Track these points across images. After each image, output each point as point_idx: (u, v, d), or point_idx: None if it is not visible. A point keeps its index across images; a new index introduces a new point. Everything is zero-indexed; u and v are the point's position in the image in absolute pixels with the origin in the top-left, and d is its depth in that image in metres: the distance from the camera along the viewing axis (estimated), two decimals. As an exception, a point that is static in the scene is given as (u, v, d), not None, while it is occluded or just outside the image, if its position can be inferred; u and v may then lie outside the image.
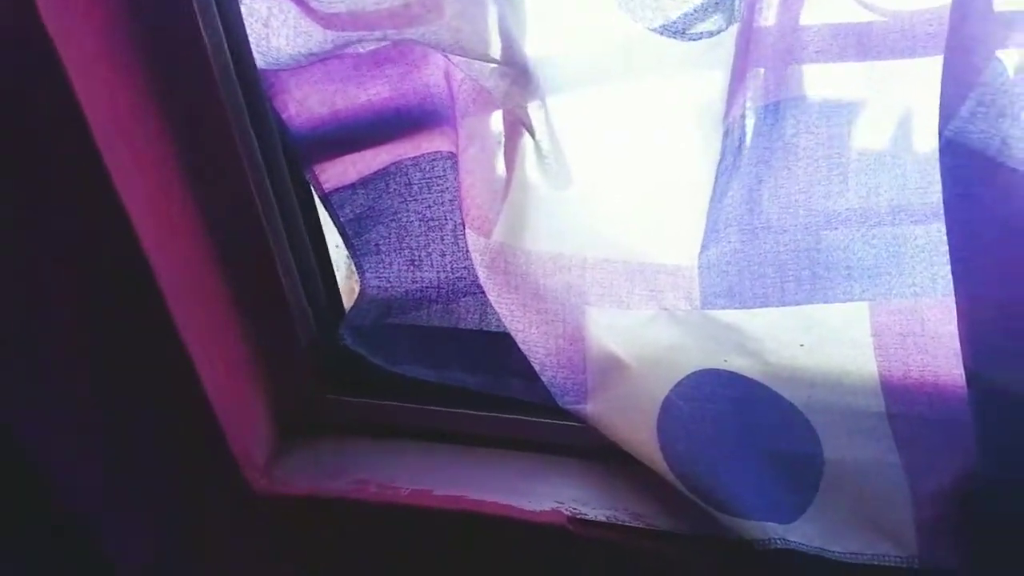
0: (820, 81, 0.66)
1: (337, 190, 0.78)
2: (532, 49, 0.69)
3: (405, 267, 0.82)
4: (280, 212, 0.80)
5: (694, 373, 0.79)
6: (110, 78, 0.64)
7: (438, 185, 0.78)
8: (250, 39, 0.68)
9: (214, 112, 0.71)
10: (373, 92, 0.73)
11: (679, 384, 0.79)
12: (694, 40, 0.67)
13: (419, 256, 0.82)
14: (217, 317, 0.82)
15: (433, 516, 0.89)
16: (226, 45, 0.70)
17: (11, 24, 0.56)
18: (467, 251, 0.78)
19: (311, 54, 0.68)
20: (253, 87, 0.72)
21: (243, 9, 0.67)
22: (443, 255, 0.82)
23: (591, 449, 0.90)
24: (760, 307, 0.74)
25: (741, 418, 0.79)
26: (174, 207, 0.73)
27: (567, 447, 0.92)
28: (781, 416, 0.77)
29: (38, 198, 0.67)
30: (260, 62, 0.69)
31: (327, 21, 0.65)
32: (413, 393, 0.94)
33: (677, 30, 0.66)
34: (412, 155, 0.77)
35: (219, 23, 0.68)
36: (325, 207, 0.79)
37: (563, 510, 0.86)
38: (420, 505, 0.89)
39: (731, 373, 0.78)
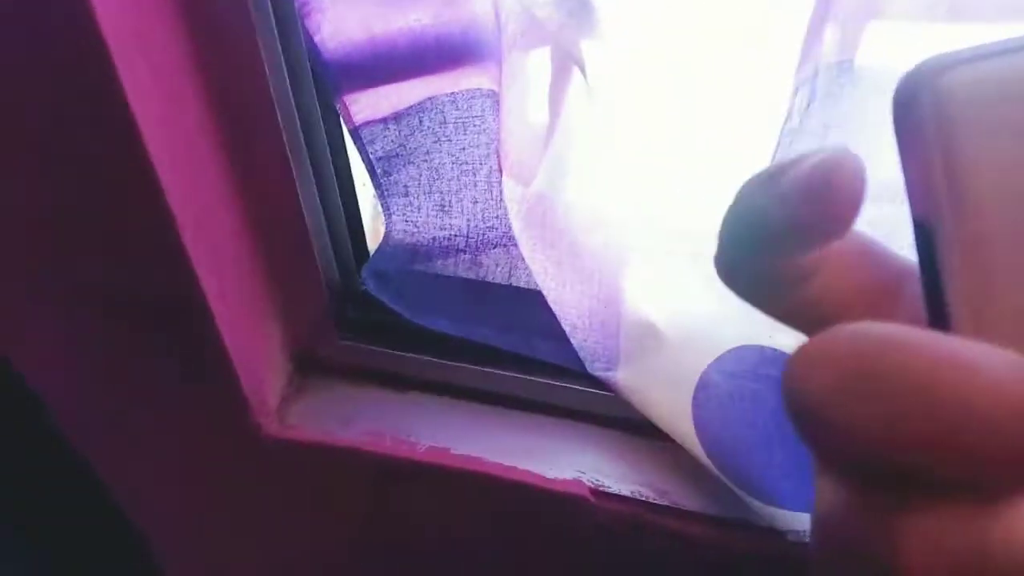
0: (900, 41, 0.60)
1: (368, 123, 0.73)
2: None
3: (434, 212, 0.78)
4: (306, 143, 0.76)
5: (736, 348, 0.75)
6: None
7: (475, 126, 0.73)
8: None
9: (240, 25, 0.65)
10: (414, 18, 0.67)
11: (719, 359, 0.75)
12: None
13: (449, 201, 0.77)
14: (233, 246, 0.79)
15: (450, 476, 0.86)
16: None
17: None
18: (500, 200, 0.73)
19: None
20: (284, 2, 0.67)
21: None
22: (475, 202, 0.77)
23: (618, 419, 0.87)
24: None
25: (782, 399, 0.74)
26: (189, 124, 0.69)
27: (593, 415, 0.88)
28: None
29: (48, 111, 0.63)
30: None
31: None
32: (434, 345, 0.90)
33: None
34: (449, 90, 0.72)
35: None
36: (354, 141, 0.75)
37: (585, 480, 0.83)
38: (437, 463, 0.86)
39: (775, 350, 0.74)
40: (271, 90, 0.70)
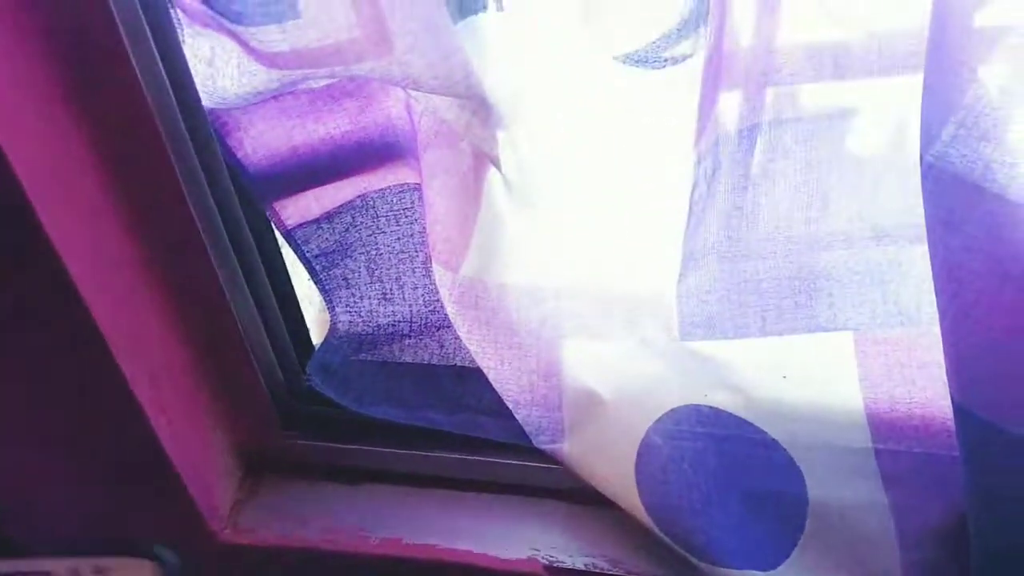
0: (794, 104, 0.65)
1: (300, 226, 0.76)
2: (493, 78, 0.67)
3: (377, 301, 0.81)
4: (236, 253, 0.79)
5: (674, 410, 0.77)
6: (37, 126, 0.63)
7: (407, 217, 0.76)
8: (195, 80, 0.66)
9: (154, 152, 0.70)
10: (332, 126, 0.71)
11: (658, 421, 0.78)
12: (660, 68, 0.66)
13: (391, 289, 0.80)
14: (168, 361, 0.81)
15: (403, 565, 0.87)
16: (168, 86, 0.68)
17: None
18: (439, 284, 0.76)
19: (258, 92, 0.66)
20: (200, 127, 0.71)
21: (186, 50, 0.65)
22: (415, 288, 0.80)
23: (569, 491, 0.88)
24: (741, 338, 0.72)
25: (723, 456, 0.77)
26: (114, 250, 0.72)
27: (543, 489, 0.90)
28: (765, 453, 0.76)
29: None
30: (207, 102, 0.67)
31: (271, 60, 0.63)
32: (383, 435, 0.92)
33: (642, 59, 0.66)
34: (378, 187, 0.75)
35: (159, 63, 0.67)
36: (289, 243, 0.78)
37: (539, 558, 0.84)
38: (390, 555, 0.87)
39: (712, 408, 0.76)
40: (191, 210, 0.73)
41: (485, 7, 0.67)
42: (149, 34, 0.65)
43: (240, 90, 0.66)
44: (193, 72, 0.66)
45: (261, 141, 0.71)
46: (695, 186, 0.68)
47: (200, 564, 0.93)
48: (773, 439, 0.75)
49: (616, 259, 0.75)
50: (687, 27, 0.64)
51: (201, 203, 0.74)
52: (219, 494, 0.91)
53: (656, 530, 0.77)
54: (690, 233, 0.70)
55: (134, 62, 0.65)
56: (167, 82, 0.68)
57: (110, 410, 0.77)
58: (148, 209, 0.73)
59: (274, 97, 0.69)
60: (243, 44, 0.62)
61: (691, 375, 0.76)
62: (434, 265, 0.75)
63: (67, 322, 0.69)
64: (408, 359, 0.85)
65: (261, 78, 0.65)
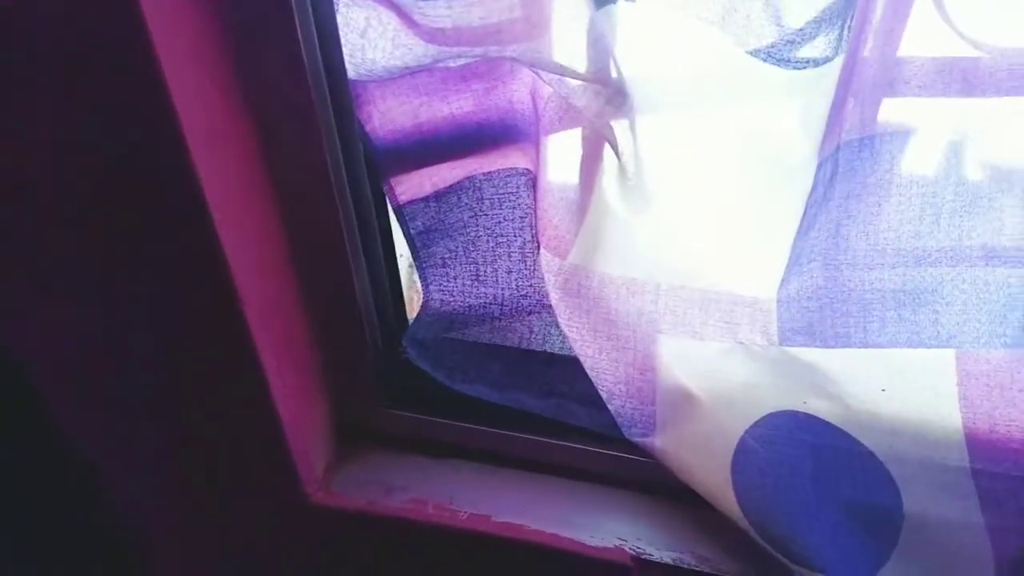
0: (919, 117, 0.65)
1: (411, 202, 0.80)
2: (626, 67, 0.70)
3: (469, 281, 0.84)
4: (358, 222, 0.83)
5: (771, 414, 0.79)
6: (204, 82, 0.66)
7: (510, 202, 0.79)
8: (344, 50, 0.70)
9: (305, 118, 0.73)
10: (456, 106, 0.75)
11: (755, 425, 0.79)
12: (798, 68, 0.67)
13: (484, 271, 0.84)
14: (290, 321, 0.85)
15: (491, 543, 0.90)
16: (319, 53, 0.72)
17: (115, 31, 0.59)
18: (533, 270, 0.79)
19: (406, 67, 0.70)
20: (341, 96, 0.75)
21: (339, 19, 0.69)
22: (509, 272, 0.83)
23: (657, 485, 0.90)
24: (841, 347, 0.73)
25: (820, 464, 0.78)
26: (257, 209, 0.76)
27: (632, 481, 0.93)
28: (861, 464, 0.76)
29: (130, 208, 0.71)
30: (352, 73, 0.71)
31: (431, 36, 0.67)
32: (473, 413, 0.95)
33: (781, 57, 0.66)
34: (487, 170, 0.78)
35: (314, 31, 0.70)
36: (397, 218, 0.82)
37: (626, 548, 0.86)
38: (478, 531, 0.90)
39: (809, 416, 0.77)
40: (331, 180, 0.77)
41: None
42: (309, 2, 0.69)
43: (388, 63, 0.70)
44: (343, 42, 0.70)
45: (389, 116, 0.75)
46: (813, 189, 0.69)
47: (291, 524, 0.98)
48: (870, 451, 0.76)
49: (719, 259, 0.76)
50: (822, 26, 0.65)
51: (338, 177, 0.78)
52: (316, 458, 0.96)
53: (752, 532, 0.78)
54: (800, 236, 0.71)
55: (299, 27, 0.68)
56: (318, 50, 0.71)
57: (236, 371, 0.82)
58: (292, 181, 0.78)
59: (410, 73, 0.72)
60: (405, 17, 0.67)
61: (789, 380, 0.77)
62: (542, 251, 0.77)
63: (212, 289, 0.74)
64: (497, 341, 0.88)
65: (416, 52, 0.69)
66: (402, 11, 0.66)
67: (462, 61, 0.72)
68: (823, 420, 0.77)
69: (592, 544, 0.87)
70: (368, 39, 0.69)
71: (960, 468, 0.72)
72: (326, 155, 0.75)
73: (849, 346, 0.73)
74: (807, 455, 0.78)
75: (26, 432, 0.93)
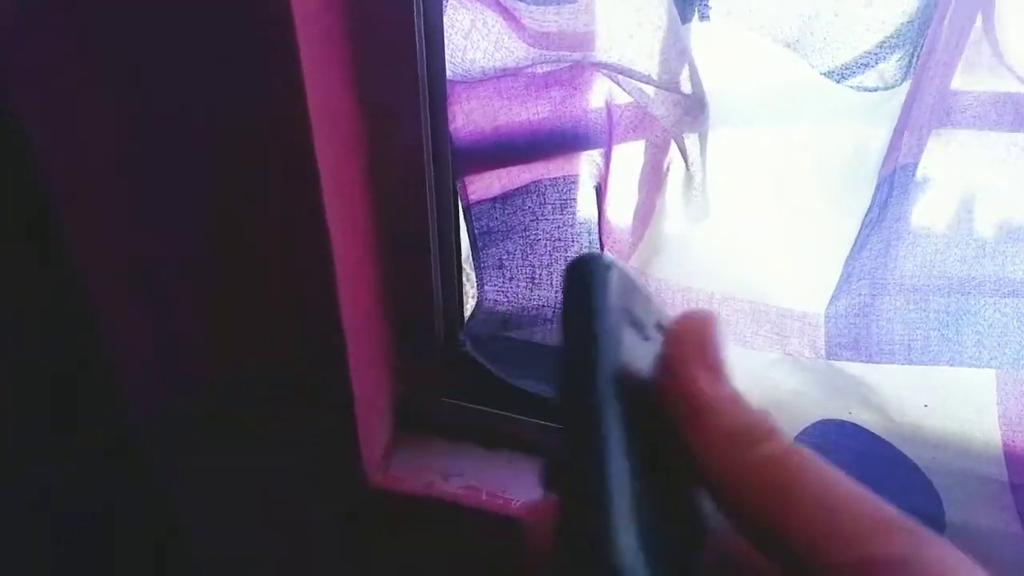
0: (969, 146, 0.69)
1: (480, 202, 0.85)
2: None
3: (524, 284, 0.90)
4: (439, 218, 0.88)
5: (819, 422, 0.83)
6: (327, 61, 0.69)
7: (571, 208, 0.84)
8: (446, 49, 0.74)
9: (409, 115, 0.77)
10: (534, 112, 0.80)
11: (803, 432, 0.84)
12: (868, 91, 0.71)
13: (540, 275, 0.89)
14: (369, 305, 0.90)
15: (541, 531, 0.94)
16: (425, 52, 0.75)
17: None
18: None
19: (504, 69, 0.75)
20: (436, 95, 0.78)
21: (445, 20, 0.72)
22: (564, 276, 0.87)
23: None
24: (886, 363, 0.78)
25: (865, 472, 0.82)
26: (358, 193, 0.81)
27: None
28: (905, 474, 0.81)
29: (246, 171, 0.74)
30: (450, 73, 0.75)
31: (536, 39, 0.72)
32: (529, 407, 1.00)
33: (853, 79, 0.70)
34: (552, 175, 0.83)
35: (423, 29, 0.73)
36: (465, 217, 0.87)
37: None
38: (530, 519, 0.94)
39: (855, 425, 0.82)
40: (425, 173, 0.82)
41: (702, 15, 0.72)
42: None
43: (488, 64, 0.74)
44: (447, 42, 0.74)
45: (471, 117, 0.80)
46: (869, 210, 0.73)
47: (347, 502, 1.04)
48: (913, 462, 0.80)
49: (774, 273, 0.81)
50: (894, 50, 0.68)
51: (428, 172, 0.82)
52: (378, 439, 1.01)
53: None
54: (852, 255, 0.76)
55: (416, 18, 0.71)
56: (425, 48, 0.74)
57: (320, 346, 0.85)
58: (388, 172, 0.82)
59: (496, 77, 0.77)
60: (512, 20, 0.71)
61: (836, 391, 0.82)
62: (605, 253, 0.82)
63: (312, 266, 0.78)
64: (550, 342, 0.93)
65: (516, 55, 0.73)
66: (509, 13, 0.71)
67: (548, 67, 0.76)
68: (868, 430, 0.82)
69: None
70: (471, 40, 0.73)
71: (1000, 482, 0.76)
72: (423, 150, 0.80)
73: (893, 362, 0.77)
74: (853, 462, 0.82)
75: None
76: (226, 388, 0.95)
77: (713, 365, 0.32)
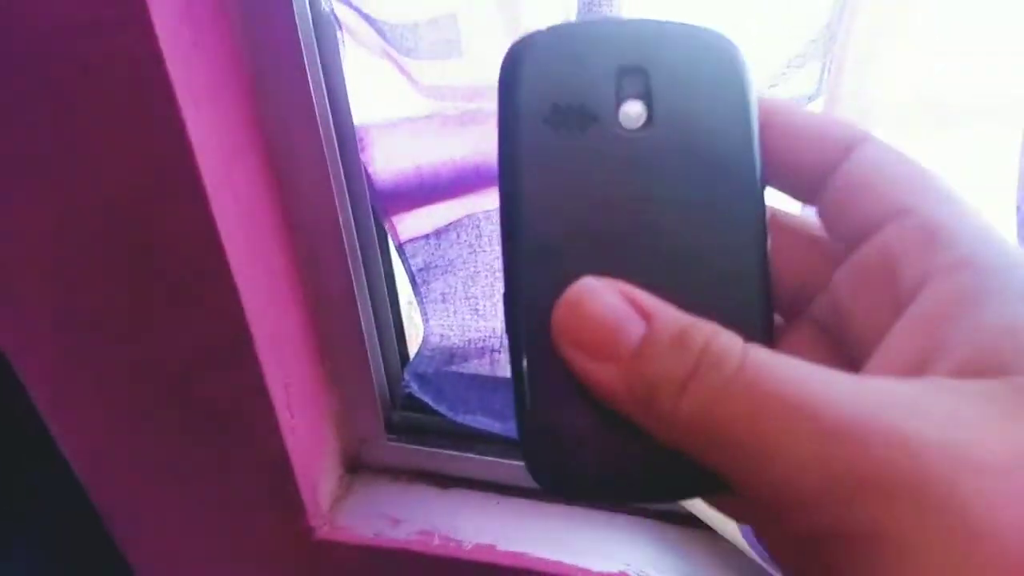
0: None
1: (412, 240, 0.85)
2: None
3: (468, 315, 0.89)
4: (364, 261, 0.88)
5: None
6: (220, 116, 0.70)
7: (508, 238, 0.83)
8: (349, 97, 0.77)
9: (315, 163, 0.79)
10: (455, 149, 0.79)
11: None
12: None
13: (483, 305, 0.88)
14: (298, 359, 0.89)
15: (496, 572, 0.94)
16: (327, 101, 0.77)
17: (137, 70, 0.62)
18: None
19: (406, 117, 0.76)
20: (346, 140, 0.80)
21: (344, 70, 0.76)
22: (507, 305, 0.87)
23: (660, 511, 0.94)
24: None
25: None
26: (270, 254, 0.81)
27: (636, 507, 0.96)
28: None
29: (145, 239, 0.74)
30: (357, 120, 0.78)
31: (428, 92, 0.74)
32: (477, 443, 1.00)
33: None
34: (487, 208, 0.83)
35: (323, 80, 0.76)
36: (399, 256, 0.86)
37: (631, 573, 0.90)
38: (483, 561, 0.94)
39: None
40: (339, 218, 0.82)
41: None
42: (317, 51, 0.75)
43: (390, 113, 0.76)
44: (350, 92, 0.77)
45: (390, 159, 0.80)
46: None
47: (295, 558, 1.02)
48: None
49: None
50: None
51: (344, 214, 0.83)
52: (322, 492, 0.99)
53: (753, 553, 0.83)
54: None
55: (309, 77, 0.74)
56: (326, 96, 0.77)
57: (246, 405, 0.85)
58: (301, 215, 0.83)
59: (410, 119, 0.77)
60: (406, 75, 0.72)
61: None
62: None
63: (225, 326, 0.78)
64: (497, 373, 0.93)
65: (416, 106, 0.75)
66: (404, 69, 0.72)
67: (461, 109, 0.76)
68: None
69: (598, 571, 0.91)
70: (376, 93, 0.76)
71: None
72: (335, 197, 0.81)
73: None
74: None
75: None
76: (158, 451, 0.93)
77: (593, 339, 0.27)
